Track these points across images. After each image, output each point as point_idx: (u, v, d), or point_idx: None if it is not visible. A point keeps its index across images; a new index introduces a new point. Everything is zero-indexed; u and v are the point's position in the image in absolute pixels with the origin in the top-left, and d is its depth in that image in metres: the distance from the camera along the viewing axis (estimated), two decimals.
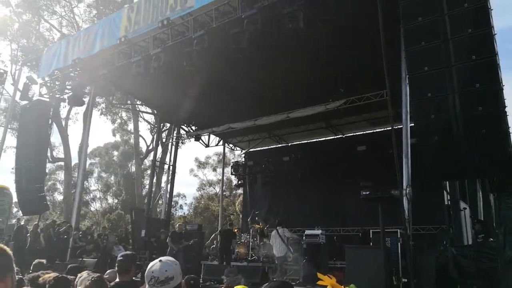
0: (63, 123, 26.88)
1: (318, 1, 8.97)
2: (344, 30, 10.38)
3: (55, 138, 43.01)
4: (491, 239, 9.16)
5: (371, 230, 10.05)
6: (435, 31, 6.88)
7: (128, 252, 5.03)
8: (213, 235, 13.32)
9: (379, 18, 7.70)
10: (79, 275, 3.77)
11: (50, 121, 15.88)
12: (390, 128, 7.96)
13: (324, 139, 17.68)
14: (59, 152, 31.38)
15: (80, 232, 14.47)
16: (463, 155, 6.75)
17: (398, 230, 8.67)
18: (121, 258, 3.82)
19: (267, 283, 2.21)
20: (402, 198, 7.42)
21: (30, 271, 4.82)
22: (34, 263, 5.07)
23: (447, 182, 10.05)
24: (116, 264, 3.80)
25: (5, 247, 1.79)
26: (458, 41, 6.64)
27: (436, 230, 12.19)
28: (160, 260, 2.36)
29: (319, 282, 2.20)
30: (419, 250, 8.53)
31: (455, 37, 6.66)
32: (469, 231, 9.77)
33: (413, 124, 7.84)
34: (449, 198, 10.47)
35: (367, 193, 7.36)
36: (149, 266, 2.35)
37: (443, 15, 6.78)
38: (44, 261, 5.20)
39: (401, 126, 8.48)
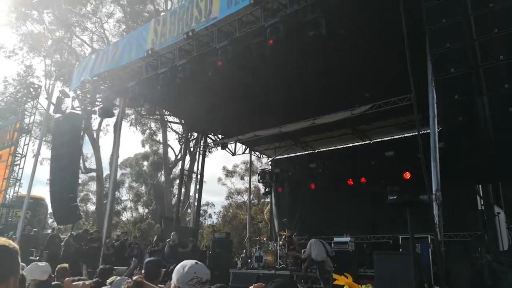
0: (95, 134, 27.59)
1: (340, 8, 8.95)
2: (367, 34, 10.31)
3: (87, 149, 44.18)
4: None
5: (400, 237, 9.86)
6: (460, 32, 6.73)
7: (155, 258, 5.13)
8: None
9: (403, 21, 7.64)
10: (109, 280, 3.88)
11: (82, 133, 16.30)
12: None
13: (351, 145, 17.47)
14: (91, 163, 32.16)
15: (108, 240, 14.70)
16: (493, 158, 6.56)
17: (429, 236, 8.47)
18: (149, 264, 3.89)
19: (272, 281, 2.21)
20: (431, 202, 7.26)
21: (53, 276, 4.95)
22: (57, 269, 5.22)
23: (480, 186, 9.78)
24: (143, 270, 3.88)
25: (10, 243, 1.59)
26: (484, 42, 6.47)
27: (471, 237, 11.86)
28: (196, 263, 2.40)
29: (336, 282, 2.19)
30: (452, 257, 8.30)
31: (481, 38, 6.49)
32: (504, 236, 9.44)
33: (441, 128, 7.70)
34: (482, 203, 10.16)
35: (394, 197, 7.21)
36: (186, 266, 2.37)
37: (468, 16, 6.65)
38: (66, 265, 5.35)
39: (430, 130, 8.31)
